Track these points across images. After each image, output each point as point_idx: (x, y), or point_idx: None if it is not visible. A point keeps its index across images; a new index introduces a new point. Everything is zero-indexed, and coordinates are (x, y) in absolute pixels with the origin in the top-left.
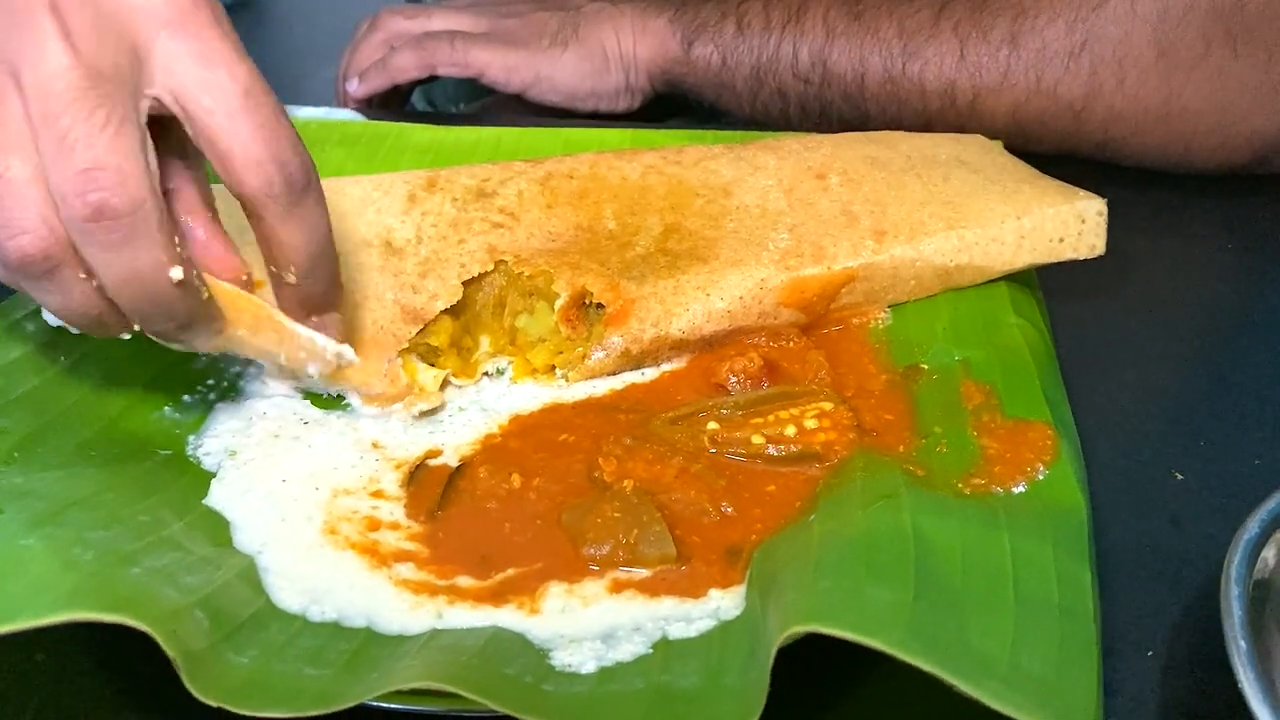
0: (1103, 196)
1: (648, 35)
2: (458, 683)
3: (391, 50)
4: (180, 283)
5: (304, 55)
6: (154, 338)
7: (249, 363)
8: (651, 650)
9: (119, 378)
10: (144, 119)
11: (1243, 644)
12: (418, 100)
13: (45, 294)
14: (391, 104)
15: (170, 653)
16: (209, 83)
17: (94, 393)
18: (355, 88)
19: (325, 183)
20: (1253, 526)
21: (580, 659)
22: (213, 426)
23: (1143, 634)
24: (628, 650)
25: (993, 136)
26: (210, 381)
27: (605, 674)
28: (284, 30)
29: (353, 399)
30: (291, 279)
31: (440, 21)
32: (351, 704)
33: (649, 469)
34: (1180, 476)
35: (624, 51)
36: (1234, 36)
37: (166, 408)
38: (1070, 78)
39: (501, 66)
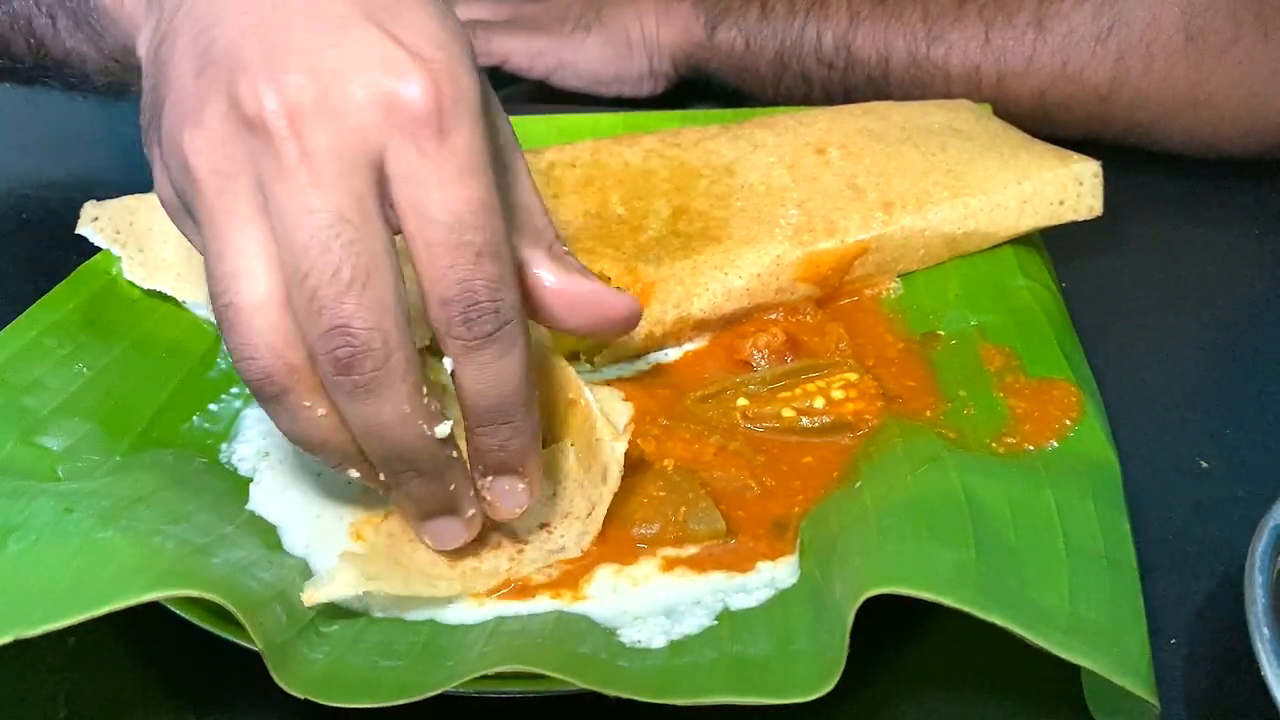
0: (1128, 181)
1: (671, 19)
2: (538, 663)
3: None
4: (428, 436)
5: None
6: (390, 486)
7: None
8: (716, 622)
9: (142, 389)
10: (392, 244)
11: (1266, 632)
12: None
13: (276, 415)
14: None
15: (257, 643)
16: (421, 204)
17: (120, 406)
18: None
19: None
20: (1278, 514)
21: (649, 635)
22: (243, 432)
23: (1166, 622)
24: (693, 623)
25: (1017, 121)
26: (234, 389)
27: (676, 647)
28: None
29: None
30: (467, 420)
31: (462, 11)
32: (435, 692)
33: (688, 448)
34: (1205, 464)
35: (647, 36)
36: (1265, 20)
37: (195, 417)
38: (1097, 62)
39: (525, 53)
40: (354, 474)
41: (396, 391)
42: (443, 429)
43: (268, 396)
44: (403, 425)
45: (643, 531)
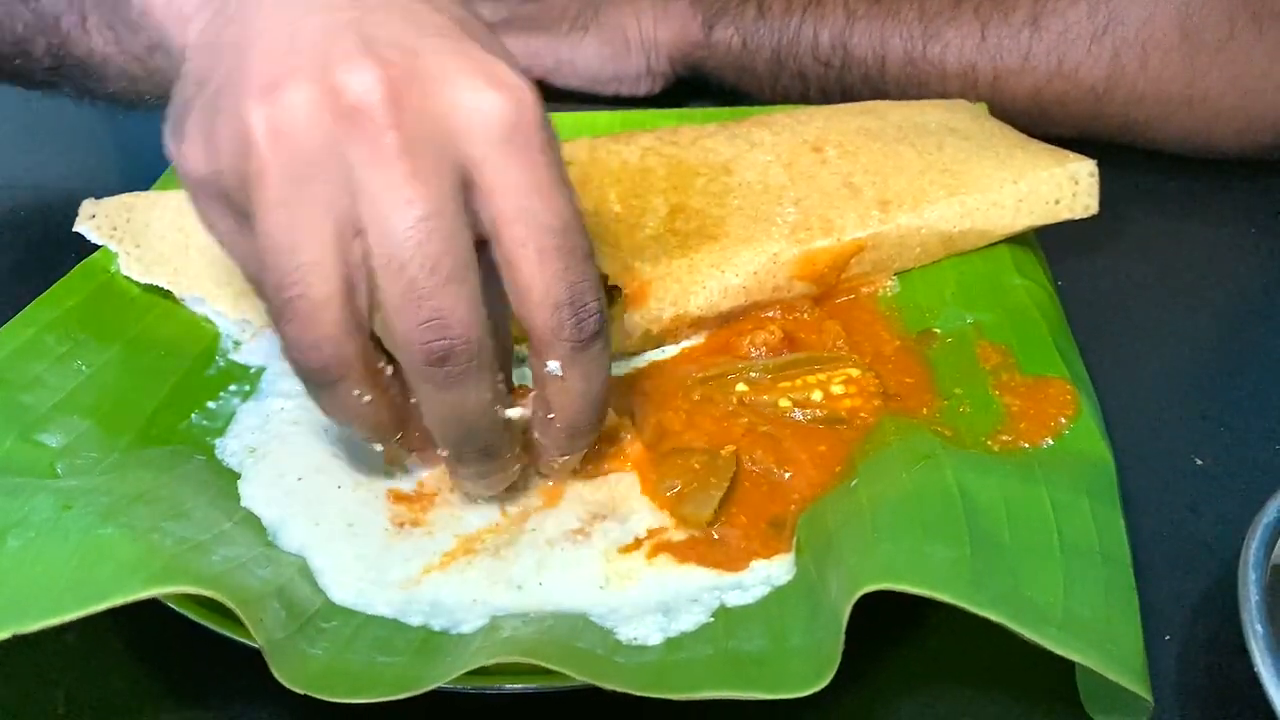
0: (1124, 179)
1: (668, 18)
2: (536, 656)
3: None
4: (500, 420)
5: None
6: (452, 462)
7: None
8: (712, 618)
9: (141, 386)
10: (473, 249)
11: (1259, 629)
12: None
13: (322, 401)
14: None
15: (258, 640)
16: (526, 213)
17: (119, 403)
18: None
19: None
20: (1271, 511)
21: (645, 632)
22: (235, 427)
23: (1160, 619)
24: (689, 620)
25: (1013, 119)
26: (233, 387)
27: (672, 644)
28: None
29: None
30: (556, 422)
31: None
32: (433, 686)
33: (717, 424)
34: (1200, 462)
35: (645, 35)
36: (1259, 19)
37: (194, 414)
38: (1092, 60)
39: (522, 53)
40: (378, 447)
41: (483, 382)
42: (514, 412)
43: (320, 385)
44: (482, 412)
45: (665, 486)
